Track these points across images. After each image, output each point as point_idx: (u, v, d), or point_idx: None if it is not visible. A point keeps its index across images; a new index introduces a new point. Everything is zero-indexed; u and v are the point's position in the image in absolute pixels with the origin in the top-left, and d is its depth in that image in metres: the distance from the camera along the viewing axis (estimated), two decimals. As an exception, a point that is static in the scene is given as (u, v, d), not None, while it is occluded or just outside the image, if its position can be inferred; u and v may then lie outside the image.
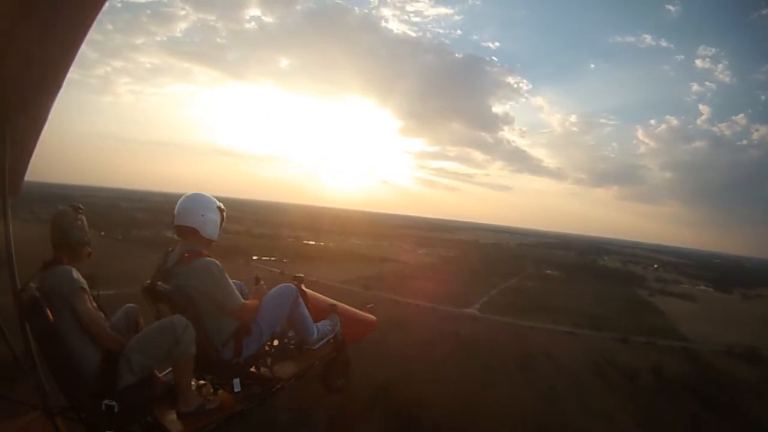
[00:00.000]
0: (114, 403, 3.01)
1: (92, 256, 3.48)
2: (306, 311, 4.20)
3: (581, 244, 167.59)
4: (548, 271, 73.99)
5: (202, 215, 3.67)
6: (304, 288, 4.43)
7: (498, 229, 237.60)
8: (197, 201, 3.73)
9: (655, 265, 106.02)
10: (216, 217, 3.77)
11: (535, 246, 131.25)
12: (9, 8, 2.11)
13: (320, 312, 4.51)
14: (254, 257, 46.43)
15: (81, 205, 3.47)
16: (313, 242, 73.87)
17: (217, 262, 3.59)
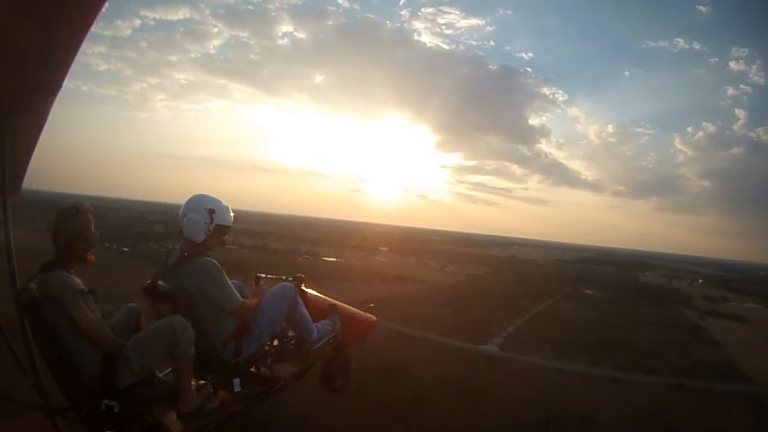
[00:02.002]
0: (114, 403, 3.04)
1: (92, 261, 3.45)
2: (305, 311, 4.17)
3: (621, 258, 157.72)
4: (587, 291, 68.10)
5: (185, 215, 3.66)
6: (304, 288, 4.41)
7: (536, 244, 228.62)
8: (189, 202, 3.75)
9: (700, 280, 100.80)
10: (200, 218, 3.67)
11: (574, 261, 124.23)
12: (9, 8, 2.11)
13: (320, 312, 4.45)
14: (260, 275, 43.57)
15: (86, 205, 3.42)
16: (332, 259, 70.51)
17: (216, 262, 3.61)
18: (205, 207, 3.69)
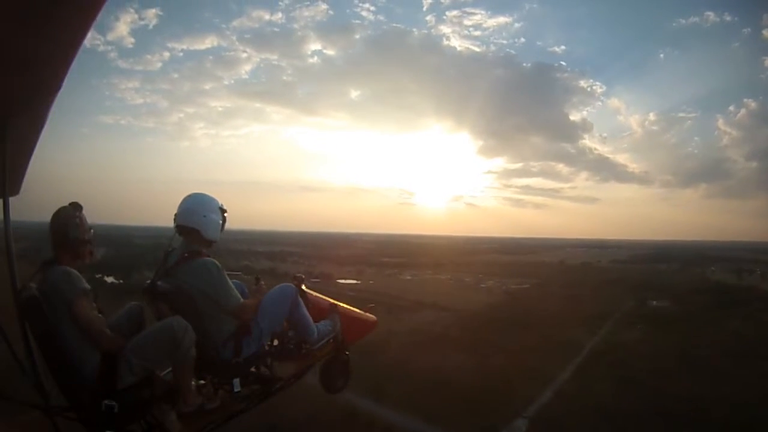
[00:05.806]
0: (114, 403, 3.01)
1: (94, 255, 3.48)
2: (306, 311, 4.15)
3: (680, 252, 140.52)
4: (654, 302, 55.90)
5: (204, 216, 3.65)
6: (304, 288, 4.37)
7: (588, 244, 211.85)
8: (200, 201, 3.71)
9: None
10: (218, 218, 3.74)
11: (630, 261, 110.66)
12: (9, 8, 2.08)
13: (320, 312, 4.44)
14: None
15: (79, 203, 3.43)
16: (349, 281, 62.09)
17: (216, 261, 3.58)
18: (217, 206, 3.75)
